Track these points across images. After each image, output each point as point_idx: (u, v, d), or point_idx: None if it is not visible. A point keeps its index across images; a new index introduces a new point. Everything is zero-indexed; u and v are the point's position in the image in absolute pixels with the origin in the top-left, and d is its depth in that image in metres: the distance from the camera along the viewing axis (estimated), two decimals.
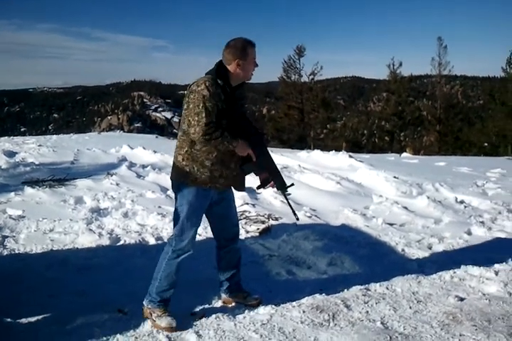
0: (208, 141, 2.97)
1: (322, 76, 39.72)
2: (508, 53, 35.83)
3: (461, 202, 7.16)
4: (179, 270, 3.24)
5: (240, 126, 3.17)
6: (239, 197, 6.46)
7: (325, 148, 21.87)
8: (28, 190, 6.57)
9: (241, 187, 3.38)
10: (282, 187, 3.28)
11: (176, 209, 3.24)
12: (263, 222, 5.52)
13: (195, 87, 3.00)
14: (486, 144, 35.58)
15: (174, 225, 3.24)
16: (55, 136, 21.53)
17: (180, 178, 3.16)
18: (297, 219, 3.37)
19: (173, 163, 3.24)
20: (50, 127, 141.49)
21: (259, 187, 3.39)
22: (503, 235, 5.42)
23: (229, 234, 3.44)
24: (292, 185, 3.35)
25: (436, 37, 38.31)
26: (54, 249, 4.60)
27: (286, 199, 3.36)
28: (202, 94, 2.94)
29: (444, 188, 7.91)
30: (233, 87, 3.13)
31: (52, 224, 5.30)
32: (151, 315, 3.16)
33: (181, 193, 3.17)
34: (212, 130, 2.93)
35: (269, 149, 3.35)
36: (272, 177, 3.27)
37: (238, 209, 5.83)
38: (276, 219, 5.73)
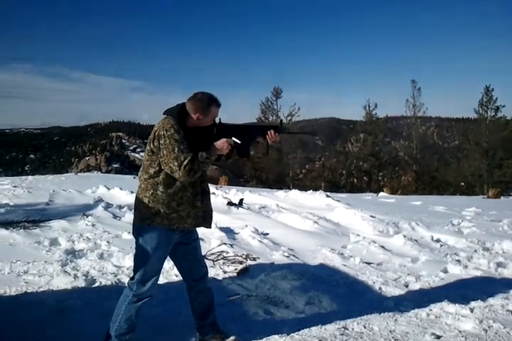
0: (193, 177, 3.02)
1: (300, 117, 40.60)
2: (480, 95, 37.23)
3: (437, 240, 7.26)
4: (139, 313, 3.22)
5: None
6: (217, 237, 6.47)
7: (304, 187, 22.04)
8: (2, 232, 6.44)
9: (209, 224, 3.37)
10: (278, 129, 3.33)
11: (137, 253, 3.21)
12: (241, 262, 5.50)
13: (163, 131, 3.02)
14: (462, 184, 36.27)
15: (135, 269, 3.20)
16: (30, 176, 21.25)
17: (145, 221, 3.12)
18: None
19: (137, 205, 3.21)
20: (26, 168, 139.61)
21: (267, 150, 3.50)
22: (478, 273, 5.48)
23: (197, 275, 3.43)
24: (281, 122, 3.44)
25: (410, 79, 39.74)
26: (28, 291, 4.49)
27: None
28: (174, 139, 2.98)
29: (420, 227, 8.03)
30: (189, 128, 3.15)
31: (27, 266, 5.19)
32: None
33: (145, 237, 3.14)
34: (191, 166, 2.95)
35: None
36: (259, 131, 3.33)
37: (216, 250, 5.87)
38: (254, 259, 5.71)
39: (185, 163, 2.93)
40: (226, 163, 3.42)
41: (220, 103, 3.24)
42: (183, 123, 3.13)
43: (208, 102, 3.17)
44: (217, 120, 3.28)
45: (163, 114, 3.19)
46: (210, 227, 3.42)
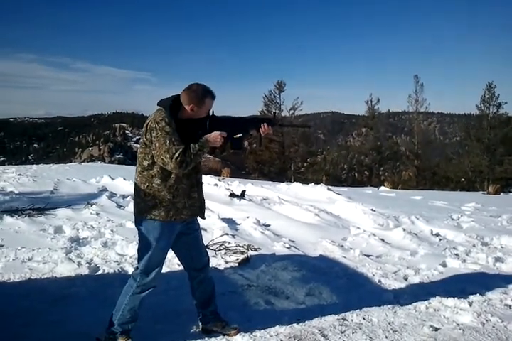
0: (185, 169, 3.02)
1: (302, 111, 40.50)
2: (482, 92, 37.14)
3: (437, 234, 7.30)
4: (142, 303, 3.26)
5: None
6: (219, 228, 6.53)
7: (305, 181, 22.08)
8: (7, 219, 6.52)
9: (203, 214, 3.41)
10: (271, 121, 3.38)
11: (141, 245, 3.24)
12: (242, 253, 5.56)
13: (154, 124, 3.02)
14: (463, 179, 36.27)
15: (139, 260, 3.24)
16: (35, 165, 21.29)
17: (143, 214, 3.15)
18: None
19: (134, 198, 3.24)
20: (30, 157, 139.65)
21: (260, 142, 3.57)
22: (476, 267, 5.52)
23: (198, 264, 3.47)
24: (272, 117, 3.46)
25: (413, 74, 39.58)
26: (32, 277, 4.56)
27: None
28: (165, 131, 2.98)
29: (420, 221, 8.06)
30: (183, 120, 3.15)
31: (31, 253, 5.26)
32: None
33: (147, 229, 3.17)
34: (183, 158, 2.96)
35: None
36: (252, 123, 3.36)
37: (218, 240, 5.92)
38: (256, 249, 5.77)
39: (177, 155, 2.94)
40: (220, 155, 3.42)
41: (214, 95, 3.22)
42: (176, 114, 3.12)
43: (202, 94, 3.15)
44: (210, 112, 3.26)
45: (157, 105, 3.18)
46: (204, 218, 3.44)
